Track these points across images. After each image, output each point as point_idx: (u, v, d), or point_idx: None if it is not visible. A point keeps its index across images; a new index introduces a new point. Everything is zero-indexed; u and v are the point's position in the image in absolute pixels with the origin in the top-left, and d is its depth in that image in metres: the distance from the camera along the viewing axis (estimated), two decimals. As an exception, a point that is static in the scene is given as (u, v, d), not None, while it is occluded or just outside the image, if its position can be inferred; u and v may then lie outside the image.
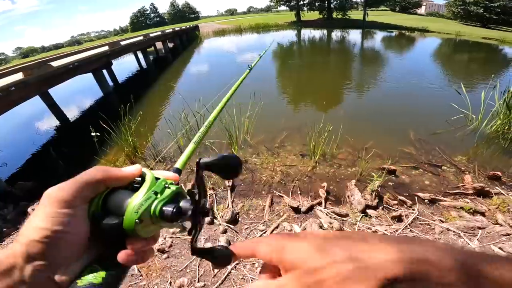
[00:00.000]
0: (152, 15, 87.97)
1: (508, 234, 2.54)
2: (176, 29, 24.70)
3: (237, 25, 38.73)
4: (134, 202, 0.34)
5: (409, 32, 30.22)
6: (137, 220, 0.33)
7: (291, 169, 3.87)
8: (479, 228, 2.63)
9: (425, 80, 8.89)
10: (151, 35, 17.15)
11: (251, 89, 5.66)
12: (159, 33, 19.49)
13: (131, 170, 0.38)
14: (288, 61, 13.76)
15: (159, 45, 21.45)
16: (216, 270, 2.27)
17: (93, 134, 4.21)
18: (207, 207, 0.38)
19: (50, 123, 8.13)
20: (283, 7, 47.01)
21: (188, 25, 35.22)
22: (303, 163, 4.00)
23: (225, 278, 2.20)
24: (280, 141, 4.67)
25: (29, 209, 3.47)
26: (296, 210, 3.03)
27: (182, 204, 0.37)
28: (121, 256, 0.34)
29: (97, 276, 0.33)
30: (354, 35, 26.88)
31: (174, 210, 0.35)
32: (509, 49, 20.14)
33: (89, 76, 9.68)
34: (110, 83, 11.05)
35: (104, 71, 10.32)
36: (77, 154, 5.20)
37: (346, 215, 2.90)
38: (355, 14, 42.65)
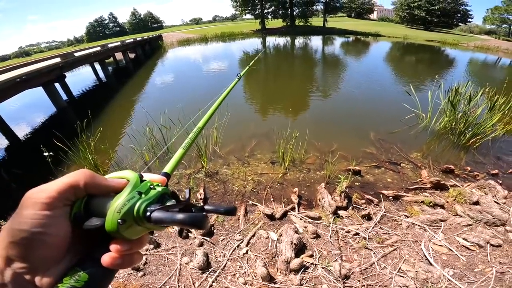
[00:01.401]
0: (111, 24, 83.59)
1: (469, 225, 2.78)
2: (138, 39, 23.79)
3: (203, 34, 38.41)
4: (117, 202, 0.33)
5: (363, 37, 32.80)
6: (119, 221, 0.32)
7: (263, 177, 3.88)
8: (441, 220, 2.85)
9: (380, 83, 9.65)
10: (109, 45, 16.25)
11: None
12: (119, 43, 18.52)
13: (117, 182, 0.37)
14: (253, 67, 14.00)
15: (119, 55, 20.35)
16: (196, 284, 2.20)
17: (45, 154, 3.81)
18: (196, 207, 0.38)
19: None
20: (248, 16, 47.98)
21: (151, 34, 34.03)
22: (273, 170, 4.04)
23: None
24: (250, 150, 4.67)
25: None
26: (271, 217, 3.05)
27: (168, 204, 0.36)
28: (105, 259, 0.33)
29: (79, 280, 0.31)
30: (316, 41, 28.32)
31: (155, 209, 0.34)
32: (449, 50, 22.87)
33: (39, 90, 8.84)
34: (64, 97, 10.20)
35: (57, 85, 9.49)
36: (31, 175, 4.69)
37: (319, 218, 2.98)
38: (316, 21, 45.04)
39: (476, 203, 3.10)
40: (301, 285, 2.16)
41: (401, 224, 2.85)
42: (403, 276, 2.18)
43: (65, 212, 0.32)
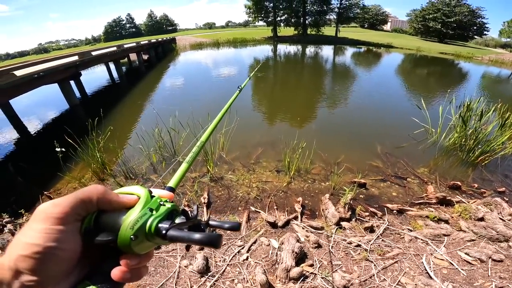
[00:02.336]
0: (128, 25, 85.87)
1: (472, 240, 2.74)
2: (152, 40, 24.27)
3: (215, 39, 39.01)
4: (130, 219, 0.34)
5: (375, 48, 32.69)
6: (132, 237, 0.33)
7: (267, 185, 3.89)
8: (445, 235, 2.81)
9: (390, 95, 9.58)
10: (125, 46, 16.66)
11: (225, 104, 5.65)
12: (134, 44, 18.95)
13: (128, 199, 0.38)
14: (260, 74, 14.09)
15: (133, 56, 20.85)
16: (194, 287, 2.21)
17: (57, 149, 3.92)
18: (202, 223, 0.39)
19: (9, 135, 7.47)
20: (260, 23, 48.55)
21: (165, 37, 34.73)
22: (278, 179, 4.04)
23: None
24: (256, 157, 4.69)
25: None
26: (273, 225, 3.04)
27: (178, 221, 0.37)
28: (115, 273, 0.33)
29: None
30: (327, 51, 28.39)
31: (169, 227, 0.35)
32: (463, 64, 22.54)
33: (55, 87, 9.12)
34: (78, 95, 10.49)
35: (72, 82, 9.78)
36: (39, 170, 4.80)
37: (322, 228, 2.96)
38: (328, 31, 45.23)
39: (481, 219, 3.06)
40: None
41: (403, 237, 2.83)
42: None
43: (77, 227, 0.33)
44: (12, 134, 7.49)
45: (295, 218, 3.18)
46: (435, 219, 3.12)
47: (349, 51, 29.19)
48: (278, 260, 2.46)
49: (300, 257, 2.47)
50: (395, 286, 2.18)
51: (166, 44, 31.09)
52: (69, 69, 9.24)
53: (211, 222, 0.40)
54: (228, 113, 5.06)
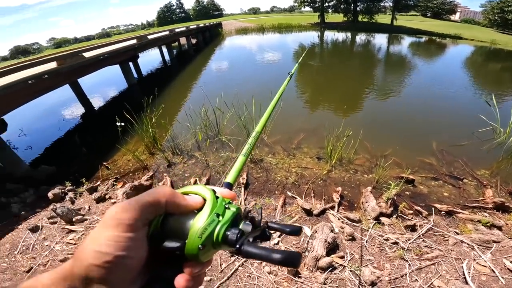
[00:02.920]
0: (178, 10, 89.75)
1: None
2: (200, 25, 25.06)
3: (260, 24, 38.65)
4: (198, 225, 0.33)
5: (440, 38, 28.83)
6: (200, 246, 0.32)
7: (306, 171, 3.87)
8: (494, 242, 2.55)
9: (453, 89, 8.49)
10: (176, 30, 17.58)
11: (271, 88, 5.65)
12: (184, 28, 19.84)
13: (195, 201, 0.37)
14: (309, 62, 13.64)
15: (182, 40, 21.91)
16: (223, 265, 2.31)
17: (118, 123, 4.40)
18: (269, 232, 0.38)
19: (76, 111, 8.59)
20: (307, 8, 46.32)
21: (212, 22, 35.58)
22: (318, 166, 3.98)
23: (232, 274, 2.24)
24: (297, 142, 4.66)
25: (50, 194, 3.60)
26: (308, 212, 3.03)
27: (244, 227, 0.36)
28: (179, 281, 0.33)
29: None
30: (380, 39, 26.00)
31: (239, 236, 0.34)
32: None
33: (115, 68, 10.11)
34: (135, 75, 11.48)
35: (130, 64, 10.72)
36: (100, 141, 5.45)
37: (359, 221, 2.87)
38: (382, 18, 41.05)
39: None
40: (325, 284, 2.14)
41: (447, 240, 2.62)
42: None
43: (145, 232, 0.32)
44: (79, 110, 8.60)
45: (332, 207, 3.12)
46: (488, 224, 2.83)
47: (407, 40, 26.26)
48: (308, 248, 2.47)
49: (332, 248, 2.45)
50: None
51: (213, 29, 31.94)
52: (128, 51, 10.14)
53: (270, 224, 0.39)
54: (271, 97, 5.10)
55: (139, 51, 11.50)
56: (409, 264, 2.29)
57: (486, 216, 2.97)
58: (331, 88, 8.91)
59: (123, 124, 4.44)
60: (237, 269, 2.29)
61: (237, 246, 0.32)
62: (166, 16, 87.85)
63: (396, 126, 5.59)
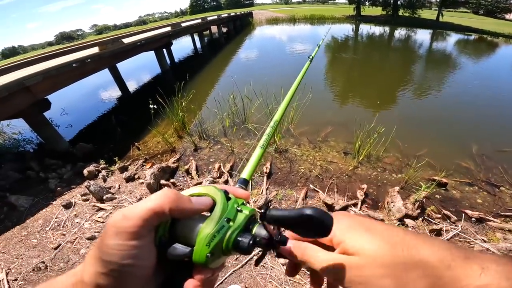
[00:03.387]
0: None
1: None
2: (231, 14, 25.20)
3: (291, 14, 37.81)
4: (205, 232, 0.31)
5: (491, 37, 26.00)
6: (208, 254, 0.30)
7: (331, 166, 3.79)
8: None
9: (500, 91, 7.70)
10: (208, 18, 17.87)
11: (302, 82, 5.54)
12: (215, 17, 20.12)
13: (203, 204, 0.35)
14: (341, 54, 13.10)
15: (214, 29, 22.18)
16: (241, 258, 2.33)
17: (151, 106, 4.61)
18: (283, 236, 0.34)
19: (114, 93, 9.12)
20: (341, 0, 44.27)
21: (243, 11, 35.54)
22: (344, 161, 3.88)
23: (246, 262, 2.28)
24: (324, 135, 4.56)
25: (85, 171, 3.79)
26: (330, 207, 2.98)
27: (257, 231, 0.34)
28: (188, 287, 0.32)
29: None
30: (422, 35, 24.10)
31: (251, 242, 0.32)
32: None
33: (150, 54, 10.54)
34: (168, 61, 11.88)
35: (164, 50, 11.10)
36: (133, 123, 5.75)
37: (382, 221, 2.77)
38: (427, 14, 37.87)
39: None
40: None
41: (473, 247, 2.48)
42: None
43: (151, 238, 0.31)
44: (116, 93, 9.14)
45: (355, 205, 3.04)
46: None
47: (453, 37, 24.05)
48: None
49: None
50: None
51: (244, 18, 31.93)
52: (163, 38, 10.51)
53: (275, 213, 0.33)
54: (301, 88, 5.02)
55: (173, 38, 11.85)
56: None
57: None
58: (364, 82, 8.53)
59: (155, 106, 4.64)
60: (251, 258, 2.32)
61: (247, 250, 0.31)
62: (198, 4, 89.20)
63: (433, 126, 5.22)
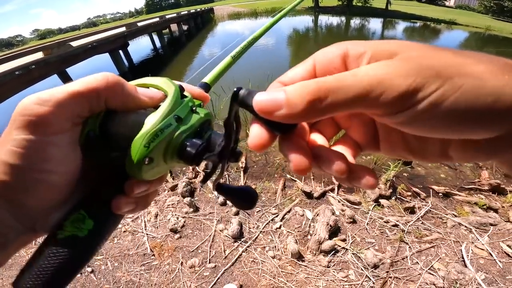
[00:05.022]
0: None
1: None
2: (192, 11, 24.57)
3: (253, 8, 38.01)
4: (146, 128, 0.23)
5: (434, 23, 28.61)
6: (146, 159, 0.23)
7: (304, 148, 3.87)
8: (491, 224, 2.62)
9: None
10: (167, 16, 17.24)
11: (266, 72, 5.51)
12: (175, 15, 19.50)
13: (151, 95, 0.26)
14: (303, 47, 13.44)
15: (174, 27, 21.40)
16: (227, 252, 2.31)
17: None
18: (238, 150, 0.29)
19: None
20: (301, -8, 45.34)
21: (204, 7, 34.93)
22: (318, 148, 3.98)
23: (236, 260, 2.25)
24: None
25: None
26: (309, 195, 3.05)
27: (212, 137, 0.28)
28: (117, 204, 0.25)
29: (82, 227, 0.24)
30: (375, 24, 25.80)
31: (200, 149, 0.25)
32: None
33: (105, 56, 9.82)
34: (126, 63, 11.20)
35: (120, 52, 10.44)
36: None
37: (359, 203, 2.91)
38: (377, 2, 40.43)
39: None
40: (328, 267, 2.18)
41: (446, 222, 2.69)
42: (433, 274, 2.11)
43: (75, 135, 0.23)
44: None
45: (332, 190, 3.14)
46: (484, 207, 2.90)
47: (401, 25, 26.11)
48: (311, 232, 2.50)
49: (334, 231, 2.48)
50: (427, 271, 2.13)
51: (205, 14, 31.37)
52: (118, 39, 9.89)
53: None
54: (269, 80, 4.94)
55: (129, 39, 11.21)
56: (409, 247, 2.34)
57: (482, 198, 3.04)
58: None
59: None
60: (240, 254, 2.29)
61: (196, 161, 0.25)
62: (155, 3, 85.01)
63: None
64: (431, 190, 3.16)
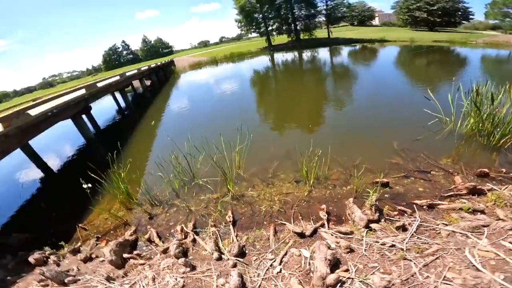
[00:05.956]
0: (125, 52, 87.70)
1: None
2: (152, 65, 24.77)
3: (212, 56, 39.37)
4: None
5: (370, 44, 32.76)
6: None
7: (288, 197, 3.93)
8: (484, 226, 2.69)
9: (396, 90, 9.52)
10: (127, 73, 17.04)
11: (237, 123, 5.78)
12: (135, 71, 19.32)
13: None
14: (266, 86, 14.23)
15: (136, 83, 21.33)
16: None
17: (84, 186, 4.07)
18: None
19: (34, 174, 7.78)
20: (254, 34, 49.31)
21: (163, 60, 35.51)
22: (299, 189, 4.07)
23: None
24: (273, 171, 4.73)
25: (31, 258, 3.41)
26: (301, 235, 3.07)
27: None
28: None
29: None
30: (323, 53, 28.52)
31: None
32: (459, 49, 22.28)
33: (68, 123, 9.45)
34: (92, 128, 10.81)
35: (84, 116, 10.09)
36: (69, 203, 5.01)
37: (351, 233, 2.96)
38: (321, 33, 45.42)
39: None
40: None
41: (440, 232, 2.76)
42: (449, 284, 2.07)
43: None
44: (37, 173, 7.80)
45: (322, 225, 3.20)
46: (470, 210, 3.02)
47: (345, 50, 29.32)
48: (312, 269, 2.47)
49: (334, 264, 2.47)
50: (441, 282, 2.09)
51: (166, 68, 31.61)
52: (79, 103, 9.51)
53: None
54: (241, 132, 5.13)
55: (91, 101, 10.88)
56: (414, 263, 2.32)
57: (465, 203, 3.17)
58: (292, 109, 9.30)
59: (89, 185, 4.14)
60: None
61: None
62: (112, 59, 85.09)
63: (358, 134, 5.98)
64: (414, 205, 3.29)
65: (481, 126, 4.83)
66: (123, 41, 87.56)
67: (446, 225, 2.87)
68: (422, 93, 6.47)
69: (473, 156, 4.42)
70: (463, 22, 46.75)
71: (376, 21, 75.28)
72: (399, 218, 3.09)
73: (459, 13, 43.72)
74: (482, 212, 3.02)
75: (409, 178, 3.95)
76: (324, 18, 45.04)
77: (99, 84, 12.04)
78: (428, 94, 5.83)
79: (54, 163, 8.42)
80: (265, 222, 3.49)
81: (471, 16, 45.35)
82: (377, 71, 15.20)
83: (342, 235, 2.94)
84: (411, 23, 47.36)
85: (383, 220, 3.09)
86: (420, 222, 2.95)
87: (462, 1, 43.06)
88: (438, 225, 2.88)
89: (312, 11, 43.35)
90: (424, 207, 3.26)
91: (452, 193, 3.46)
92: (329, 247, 2.65)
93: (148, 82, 23.29)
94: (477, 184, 3.42)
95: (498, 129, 4.58)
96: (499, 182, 3.59)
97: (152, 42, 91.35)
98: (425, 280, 2.16)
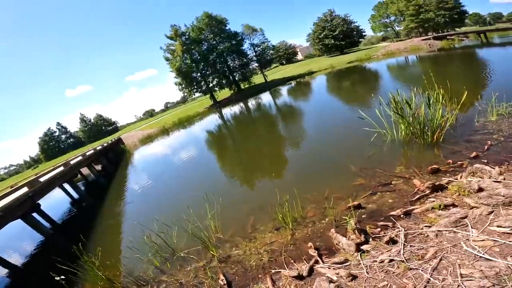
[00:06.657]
0: (63, 136, 77.44)
1: (491, 212, 2.72)
2: (98, 147, 22.46)
3: (161, 126, 36.78)
4: None
5: (301, 78, 36.70)
6: None
7: (274, 245, 3.93)
8: (462, 218, 2.81)
9: (336, 116, 10.51)
10: (71, 162, 15.25)
11: (202, 190, 5.78)
12: (80, 157, 17.45)
13: None
14: (222, 144, 14.06)
15: (85, 170, 18.99)
16: None
17: (57, 278, 3.77)
18: None
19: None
20: (197, 94, 49.74)
21: (110, 140, 32.34)
22: (281, 235, 4.09)
23: None
24: (251, 226, 4.68)
25: None
26: (299, 277, 3.05)
27: None
28: None
29: None
30: (266, 97, 30.24)
31: None
32: (369, 65, 26.45)
33: (20, 223, 8.39)
34: (47, 225, 9.55)
35: (35, 214, 8.95)
36: None
37: (346, 260, 2.99)
38: (258, 79, 48.12)
39: (480, 190, 3.11)
40: None
41: (428, 235, 2.78)
42: (471, 280, 2.04)
43: None
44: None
45: (316, 262, 3.22)
46: (441, 207, 3.16)
47: (284, 89, 31.97)
48: None
49: None
50: (461, 280, 2.07)
51: (114, 147, 28.79)
52: (25, 202, 8.57)
53: None
54: (210, 197, 5.11)
55: (38, 198, 9.72)
56: (422, 270, 2.30)
57: (434, 201, 3.34)
58: (253, 160, 9.35)
59: (63, 277, 3.81)
60: None
61: None
62: (51, 146, 74.14)
63: (317, 168, 6.26)
64: (391, 217, 3.45)
65: (412, 129, 5.36)
66: (58, 123, 76.88)
67: (429, 226, 2.95)
68: (356, 114, 7.05)
69: (420, 157, 4.88)
70: (361, 40, 56.32)
71: (300, 56, 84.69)
72: (384, 233, 3.19)
73: (355, 32, 52.74)
74: (453, 205, 3.16)
75: (376, 194, 4.22)
76: (256, 64, 49.03)
77: (42, 179, 10.97)
78: (360, 114, 6.39)
79: (18, 261, 7.61)
80: (259, 275, 3.41)
81: (364, 33, 55.42)
82: (316, 103, 16.89)
83: (338, 265, 2.96)
84: (325, 51, 54.89)
85: (370, 239, 3.17)
86: (405, 231, 3.02)
87: (354, 22, 52.44)
88: (422, 229, 2.95)
89: (245, 60, 45.86)
90: (401, 216, 3.41)
91: (418, 195, 3.65)
92: (330, 281, 2.64)
93: (98, 167, 21.21)
94: (435, 181, 3.68)
95: (427, 128, 5.13)
96: (452, 173, 3.91)
97: (92, 120, 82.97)
98: (443, 283, 2.11)
